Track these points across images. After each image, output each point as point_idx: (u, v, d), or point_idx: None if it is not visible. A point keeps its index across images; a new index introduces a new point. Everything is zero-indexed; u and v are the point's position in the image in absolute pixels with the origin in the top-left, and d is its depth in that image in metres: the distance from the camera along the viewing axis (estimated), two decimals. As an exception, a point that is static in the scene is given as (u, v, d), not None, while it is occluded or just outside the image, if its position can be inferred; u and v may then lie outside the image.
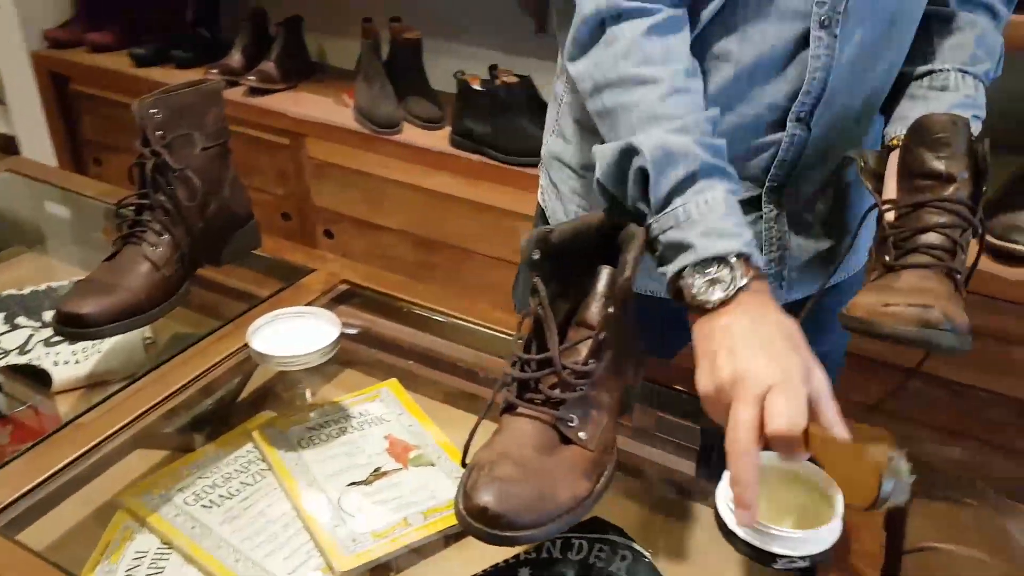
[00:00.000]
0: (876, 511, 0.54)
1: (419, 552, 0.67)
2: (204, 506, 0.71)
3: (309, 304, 0.85)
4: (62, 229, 1.28)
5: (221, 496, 0.72)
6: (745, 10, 0.67)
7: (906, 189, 0.68)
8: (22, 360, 0.87)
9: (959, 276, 0.65)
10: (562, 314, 0.64)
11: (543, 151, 0.90)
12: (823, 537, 0.56)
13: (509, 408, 0.62)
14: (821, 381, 0.56)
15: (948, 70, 0.73)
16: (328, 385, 0.87)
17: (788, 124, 0.73)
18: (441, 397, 0.86)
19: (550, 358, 0.60)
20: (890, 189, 0.71)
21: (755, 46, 0.69)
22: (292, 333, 0.78)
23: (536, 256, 0.61)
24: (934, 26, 0.75)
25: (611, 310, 0.62)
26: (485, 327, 0.86)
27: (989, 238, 1.30)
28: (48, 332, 0.91)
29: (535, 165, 1.58)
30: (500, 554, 0.66)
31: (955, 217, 0.65)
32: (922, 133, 0.68)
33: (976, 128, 0.71)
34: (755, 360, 0.55)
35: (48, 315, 0.93)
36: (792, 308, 0.82)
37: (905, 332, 0.57)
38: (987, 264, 1.28)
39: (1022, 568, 0.63)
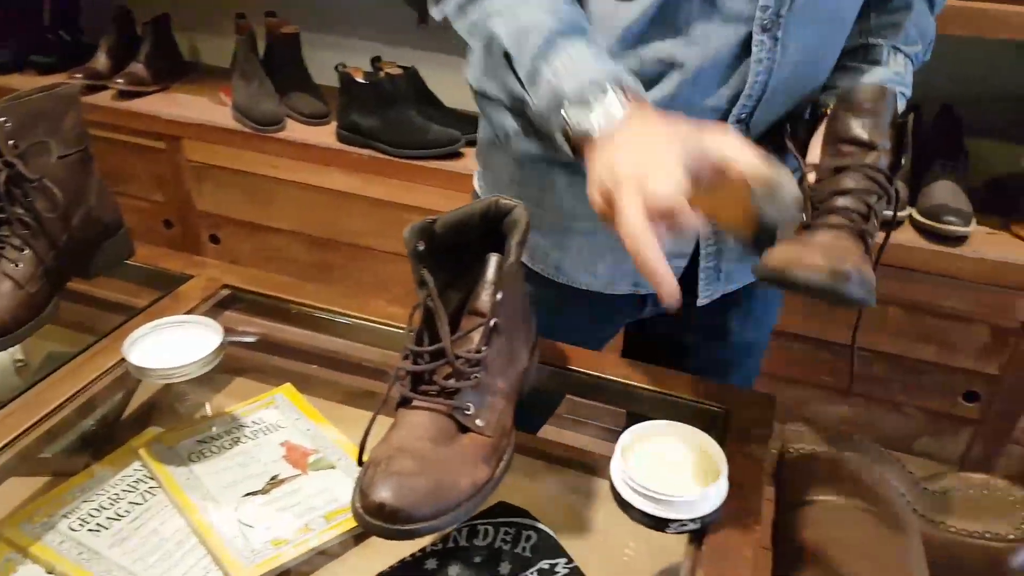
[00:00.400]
0: (763, 237, 0.59)
1: (324, 555, 0.67)
2: (91, 530, 0.68)
3: (189, 312, 0.83)
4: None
5: (109, 518, 0.69)
6: (688, 13, 0.68)
7: (830, 154, 0.70)
8: None
9: (870, 239, 0.67)
10: (454, 303, 0.64)
11: (478, 137, 0.91)
12: (711, 498, 0.59)
13: (404, 402, 0.62)
14: (725, 140, 0.57)
15: (882, 45, 0.76)
16: (219, 395, 0.85)
17: (728, 126, 0.75)
18: (339, 398, 0.85)
19: (442, 348, 0.61)
20: (814, 155, 0.73)
21: (700, 49, 0.70)
22: (173, 344, 0.75)
23: (420, 247, 0.62)
24: (872, 3, 0.77)
25: (500, 296, 0.63)
26: (379, 323, 0.86)
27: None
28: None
29: (426, 157, 1.59)
30: (406, 548, 0.67)
31: (872, 183, 0.67)
32: (850, 101, 0.70)
33: (901, 105, 0.74)
34: (631, 162, 0.57)
35: None
36: (730, 298, 0.87)
37: (817, 281, 0.59)
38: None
39: (897, 514, 0.68)
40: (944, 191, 1.36)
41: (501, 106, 0.78)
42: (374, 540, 0.68)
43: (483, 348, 0.62)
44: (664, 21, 0.69)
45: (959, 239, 1.34)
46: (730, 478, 0.60)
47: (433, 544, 0.67)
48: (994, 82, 1.48)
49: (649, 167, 0.56)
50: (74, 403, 0.75)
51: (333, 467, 0.75)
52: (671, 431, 0.64)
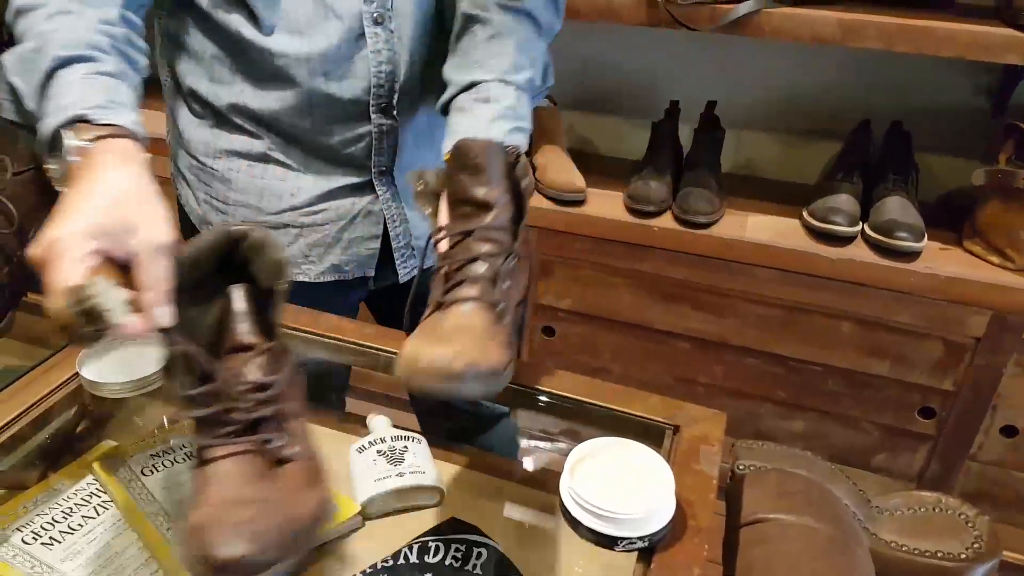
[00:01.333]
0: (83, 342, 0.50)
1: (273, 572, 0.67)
2: (44, 544, 0.67)
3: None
4: None
5: (62, 532, 0.69)
6: (304, 16, 0.76)
7: (455, 216, 0.69)
8: None
9: (503, 305, 0.65)
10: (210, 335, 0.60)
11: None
12: (659, 515, 0.60)
13: (202, 460, 0.56)
14: (144, 242, 0.53)
15: (489, 81, 0.75)
16: (166, 412, 0.85)
17: (372, 116, 0.82)
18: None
19: (217, 391, 0.56)
20: (444, 213, 0.71)
21: (317, 44, 0.77)
22: (126, 358, 0.75)
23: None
24: (478, 34, 0.76)
25: (271, 319, 0.60)
26: (331, 337, 0.86)
27: (811, 220, 1.42)
28: None
29: None
30: (357, 565, 0.68)
31: (496, 245, 0.66)
32: (460, 159, 0.68)
33: (520, 140, 0.74)
34: (62, 228, 0.51)
35: None
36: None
37: (432, 388, 0.57)
38: (811, 245, 1.40)
39: (846, 532, 0.69)
40: (895, 206, 1.40)
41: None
42: (330, 556, 0.69)
43: (271, 376, 0.58)
44: (284, 27, 0.76)
45: (911, 255, 1.36)
46: (679, 495, 0.62)
47: (384, 561, 0.68)
48: (943, 98, 1.52)
49: (57, 248, 0.50)
50: (28, 416, 0.75)
51: (289, 481, 0.75)
52: (619, 448, 0.65)
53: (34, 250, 0.51)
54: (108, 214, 0.52)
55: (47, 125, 0.59)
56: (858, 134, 1.52)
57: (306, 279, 0.89)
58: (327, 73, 0.79)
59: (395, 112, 0.83)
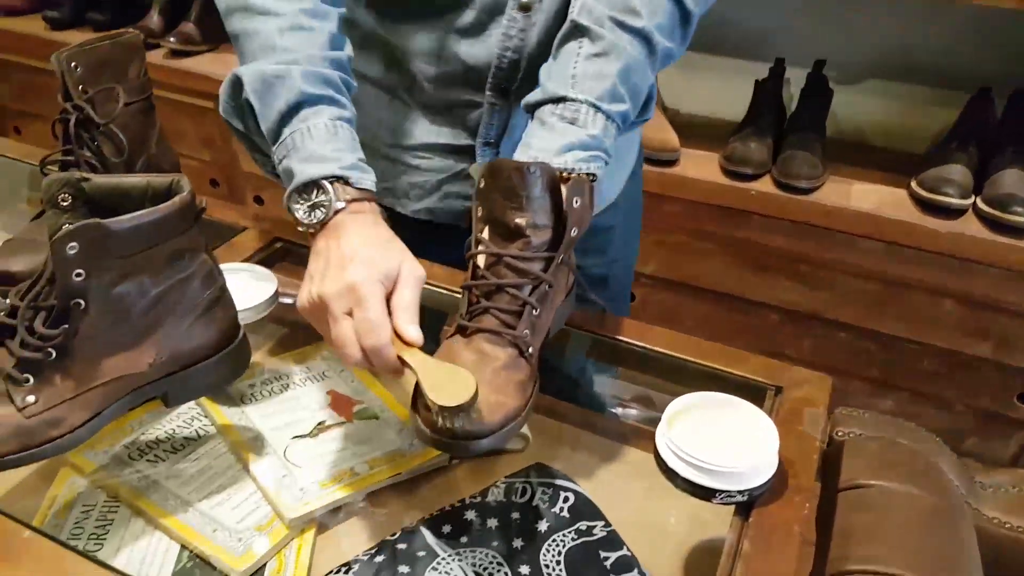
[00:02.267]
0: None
1: (366, 500, 0.69)
2: (149, 461, 0.70)
3: (244, 261, 0.85)
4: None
5: (166, 451, 0.72)
6: None
7: (492, 235, 0.65)
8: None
9: (523, 344, 0.63)
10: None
11: None
12: (761, 471, 0.59)
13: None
14: (400, 294, 0.62)
15: (581, 102, 0.68)
16: (269, 343, 0.87)
17: (487, 91, 0.80)
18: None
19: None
20: (486, 228, 0.68)
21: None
22: (231, 289, 0.77)
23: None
24: (584, 47, 0.69)
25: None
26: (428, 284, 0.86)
27: (920, 191, 1.35)
28: (-23, 294, 0.88)
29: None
30: (444, 500, 0.68)
31: (525, 276, 0.63)
32: (495, 177, 0.64)
33: (597, 169, 0.67)
34: (334, 283, 0.61)
35: (-21, 279, 0.90)
36: None
37: (436, 443, 0.59)
38: (918, 217, 1.34)
39: (952, 504, 0.67)
40: (1013, 180, 1.31)
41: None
42: (416, 487, 0.70)
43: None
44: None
45: (1027, 231, 1.28)
46: (780, 454, 0.60)
47: (472, 497, 0.69)
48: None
49: (349, 299, 0.60)
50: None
51: (376, 417, 0.76)
52: (720, 403, 0.64)
53: (331, 288, 0.61)
54: (386, 260, 0.62)
55: (305, 171, 0.65)
56: (977, 102, 1.43)
57: (403, 211, 0.90)
58: (462, 30, 0.78)
59: (511, 95, 0.80)
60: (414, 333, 0.61)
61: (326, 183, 0.64)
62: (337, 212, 0.64)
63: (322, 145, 0.65)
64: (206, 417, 0.76)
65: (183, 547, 0.64)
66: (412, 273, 0.63)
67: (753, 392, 0.70)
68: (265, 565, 0.62)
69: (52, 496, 0.67)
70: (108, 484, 0.68)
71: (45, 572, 0.51)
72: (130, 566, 0.62)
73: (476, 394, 0.56)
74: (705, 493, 0.58)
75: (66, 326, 0.57)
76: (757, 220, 1.42)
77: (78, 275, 0.56)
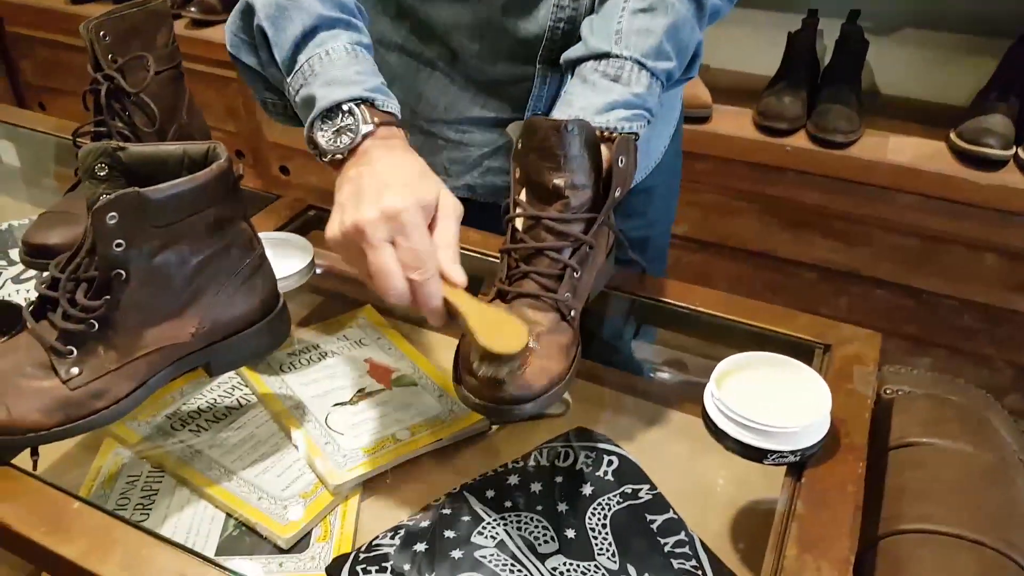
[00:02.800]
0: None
1: (408, 466, 0.68)
2: (192, 430, 0.71)
3: (279, 230, 0.84)
4: (11, 168, 1.23)
5: (208, 421, 0.72)
6: None
7: (530, 198, 0.63)
8: (-8, 297, 0.85)
9: (565, 308, 0.61)
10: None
11: None
12: (814, 431, 0.57)
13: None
14: (442, 229, 0.58)
15: (626, 59, 0.66)
16: (306, 312, 0.87)
17: (538, 64, 0.76)
18: (418, 319, 0.85)
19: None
20: (523, 190, 0.66)
21: None
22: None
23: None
24: (629, 2, 0.67)
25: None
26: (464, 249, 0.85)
27: (960, 142, 1.31)
28: (16, 270, 0.89)
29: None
30: (486, 465, 0.68)
31: (564, 238, 0.61)
32: (531, 137, 0.62)
33: (639, 128, 0.65)
34: (372, 209, 0.56)
35: (14, 253, 0.91)
36: None
37: (481, 408, 0.57)
38: (958, 169, 1.30)
39: (1005, 461, 0.65)
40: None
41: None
42: (457, 453, 0.69)
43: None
44: None
45: (1071, 180, 1.24)
46: (832, 413, 0.59)
47: (515, 461, 0.68)
48: None
49: (390, 229, 0.55)
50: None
51: (415, 384, 0.76)
52: (769, 362, 0.62)
53: (370, 214, 0.55)
54: (425, 186, 0.58)
55: (329, 95, 0.61)
56: (1017, 50, 1.37)
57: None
58: (506, 7, 0.74)
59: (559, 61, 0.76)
60: (460, 273, 0.58)
61: (352, 105, 0.60)
62: (365, 137, 0.60)
63: (344, 69, 0.62)
64: (247, 386, 0.76)
65: (228, 515, 0.64)
66: (453, 206, 0.59)
67: (801, 351, 0.69)
68: (311, 531, 0.63)
69: (97, 467, 0.68)
70: (152, 454, 0.68)
71: (96, 542, 0.52)
72: (177, 535, 0.62)
73: (528, 343, 0.54)
74: (756, 454, 0.57)
75: (107, 297, 0.56)
76: (792, 176, 1.39)
77: (118, 245, 0.55)
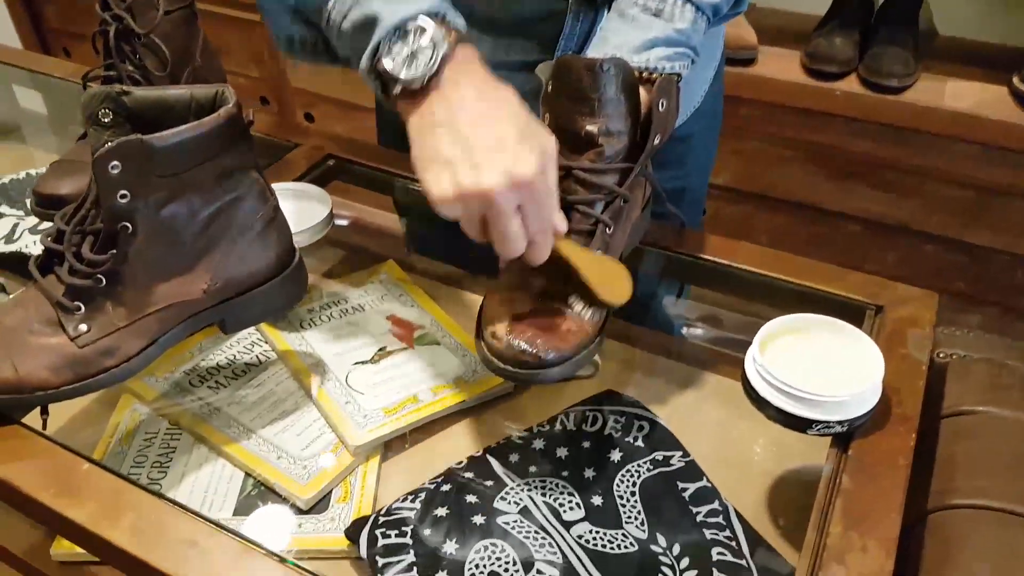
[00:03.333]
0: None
1: (430, 427, 0.66)
2: (210, 387, 0.69)
3: (297, 180, 0.81)
4: (37, 115, 1.21)
5: (227, 378, 0.70)
6: None
7: (561, 146, 0.57)
8: (9, 249, 0.83)
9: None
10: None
11: None
12: (864, 400, 0.53)
13: None
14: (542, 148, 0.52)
15: None
16: (325, 267, 0.84)
17: (570, 4, 0.69)
18: (440, 275, 0.83)
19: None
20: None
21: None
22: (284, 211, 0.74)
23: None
24: None
25: None
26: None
27: (1023, 87, 1.23)
28: (34, 220, 0.87)
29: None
30: (512, 427, 0.65)
31: (597, 191, 0.57)
32: (562, 78, 0.57)
33: (682, 68, 0.60)
34: (498, 175, 0.49)
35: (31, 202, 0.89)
36: None
37: (504, 373, 0.54)
38: (1020, 116, 1.22)
39: None
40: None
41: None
42: (481, 415, 0.67)
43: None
44: None
45: None
46: (883, 380, 0.54)
47: (540, 425, 0.65)
48: None
49: (522, 192, 0.50)
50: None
51: (438, 343, 0.73)
52: (816, 325, 0.58)
53: (498, 181, 0.49)
54: (541, 137, 0.52)
55: (396, 11, 0.52)
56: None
57: None
58: None
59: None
60: (563, 220, 0.54)
61: (425, 21, 0.51)
62: (444, 61, 0.51)
63: None
64: (266, 343, 0.73)
65: (247, 475, 0.62)
66: (554, 146, 0.53)
67: (851, 313, 0.64)
68: (330, 493, 0.61)
69: (114, 424, 0.66)
70: (169, 412, 0.67)
71: (106, 505, 0.50)
72: (195, 494, 0.61)
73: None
74: (800, 424, 0.53)
75: (114, 251, 0.54)
76: (841, 123, 1.32)
77: (123, 196, 0.53)
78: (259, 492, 0.61)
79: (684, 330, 0.82)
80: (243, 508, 0.60)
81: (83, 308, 0.54)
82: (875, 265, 1.42)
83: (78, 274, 0.54)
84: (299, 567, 0.48)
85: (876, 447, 0.53)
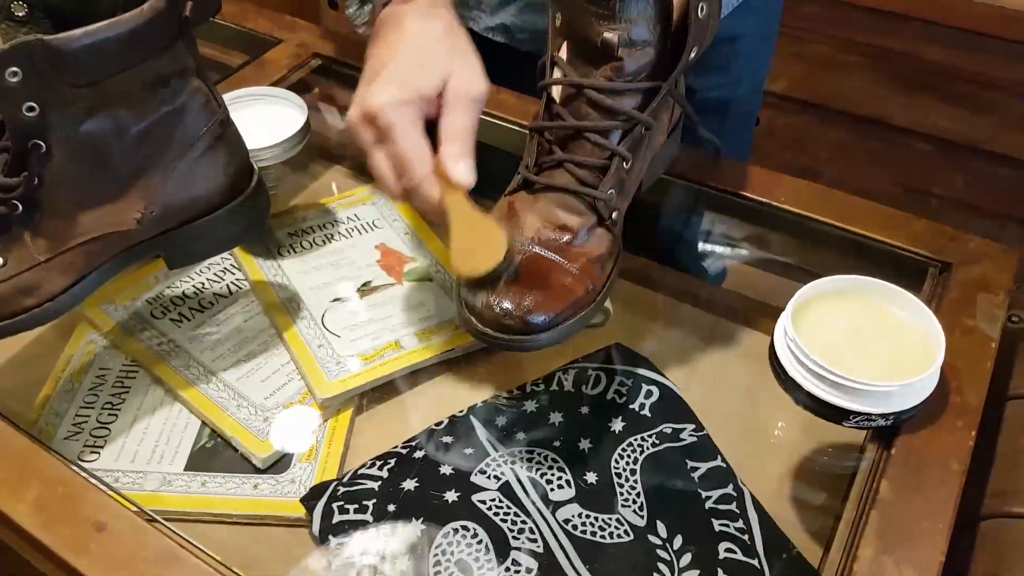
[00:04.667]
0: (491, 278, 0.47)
1: (413, 377, 0.59)
2: (173, 320, 0.62)
3: (275, 84, 0.71)
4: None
5: (192, 309, 0.63)
6: None
7: (573, 57, 0.50)
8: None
9: (604, 207, 0.50)
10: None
11: None
12: (916, 391, 0.44)
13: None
14: (448, 119, 0.50)
15: None
16: (313, 183, 0.75)
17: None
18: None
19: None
20: (564, 46, 0.53)
21: None
22: (252, 121, 0.64)
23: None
24: None
25: None
26: (494, 116, 0.70)
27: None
28: None
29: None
30: (503, 384, 0.58)
31: (614, 118, 0.48)
32: None
33: None
34: (356, 107, 0.50)
35: None
36: None
37: (484, 338, 0.48)
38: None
39: None
40: None
41: None
42: (471, 366, 0.59)
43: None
44: None
45: None
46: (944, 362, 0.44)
47: (534, 383, 0.57)
48: None
49: (392, 119, 0.49)
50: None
51: (430, 279, 0.65)
52: (866, 289, 0.47)
53: (353, 114, 0.51)
54: (421, 73, 0.50)
55: None
56: None
57: (475, 27, 0.73)
58: None
59: None
60: (461, 171, 0.49)
61: None
62: (386, 3, 0.52)
63: None
64: (239, 270, 0.66)
65: (203, 424, 0.56)
66: (464, 90, 0.50)
67: (910, 269, 0.53)
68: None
69: (67, 357, 0.60)
70: (127, 346, 0.60)
71: (11, 472, 0.44)
72: (145, 443, 0.55)
73: (506, 264, 0.46)
74: (835, 414, 0.44)
75: (26, 173, 0.46)
76: (916, 27, 1.18)
77: (30, 109, 0.44)
78: (215, 444, 0.55)
79: (715, 276, 0.72)
80: (196, 462, 0.54)
81: None
82: (942, 189, 1.30)
83: (-12, 200, 0.46)
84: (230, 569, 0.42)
85: (926, 446, 0.44)
